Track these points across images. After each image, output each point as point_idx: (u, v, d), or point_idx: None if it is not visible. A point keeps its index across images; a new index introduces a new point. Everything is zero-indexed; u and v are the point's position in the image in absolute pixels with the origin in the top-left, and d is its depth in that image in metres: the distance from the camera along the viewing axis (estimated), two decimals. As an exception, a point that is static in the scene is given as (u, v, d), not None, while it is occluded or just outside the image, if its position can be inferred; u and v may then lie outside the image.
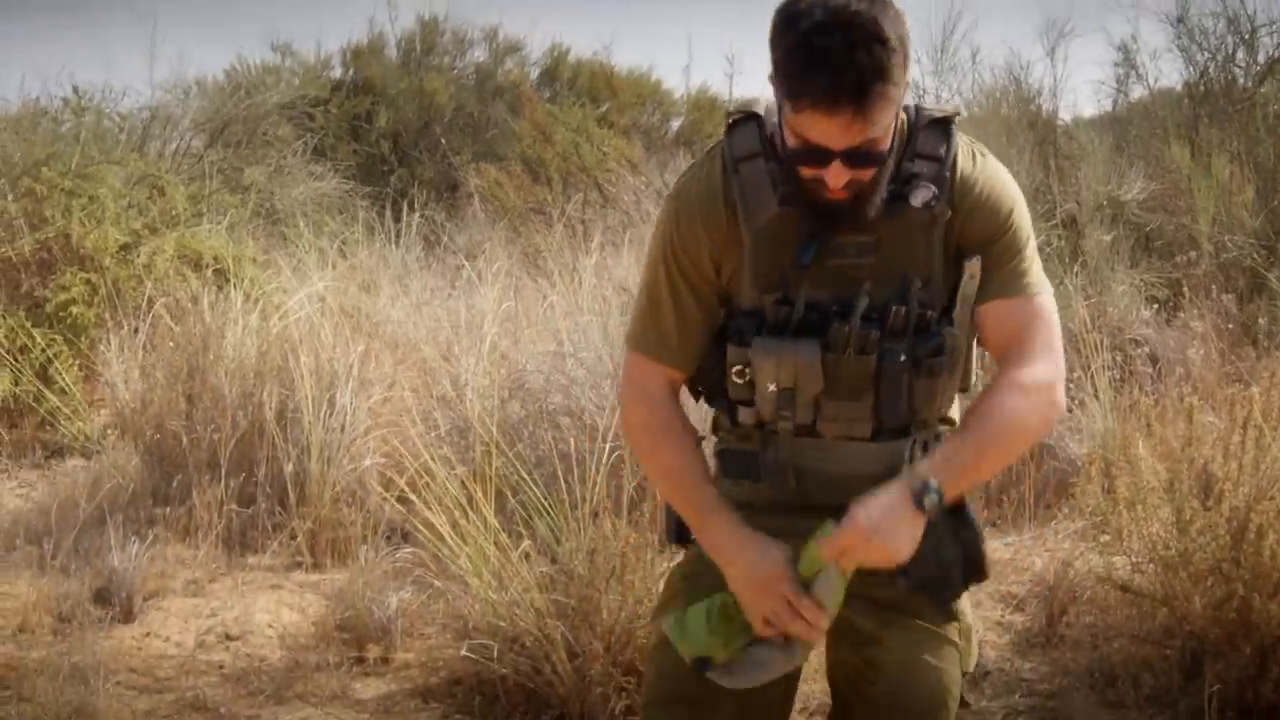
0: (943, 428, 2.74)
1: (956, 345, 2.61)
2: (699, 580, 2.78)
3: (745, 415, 2.71)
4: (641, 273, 2.85)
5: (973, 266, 2.59)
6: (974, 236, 2.60)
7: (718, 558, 2.68)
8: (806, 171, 2.48)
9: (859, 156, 2.42)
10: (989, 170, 2.64)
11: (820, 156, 2.43)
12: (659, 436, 2.79)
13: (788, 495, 2.69)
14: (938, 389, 2.61)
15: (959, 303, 2.61)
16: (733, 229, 2.64)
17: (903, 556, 2.48)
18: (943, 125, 2.64)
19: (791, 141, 2.47)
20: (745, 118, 2.68)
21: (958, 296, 2.61)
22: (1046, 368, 2.58)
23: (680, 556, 3.00)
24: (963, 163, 2.62)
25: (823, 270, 2.58)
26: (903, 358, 2.55)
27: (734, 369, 2.66)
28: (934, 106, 2.68)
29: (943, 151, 2.60)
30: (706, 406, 2.86)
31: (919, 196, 2.55)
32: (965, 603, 2.81)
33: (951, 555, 2.65)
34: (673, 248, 2.71)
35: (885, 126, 2.42)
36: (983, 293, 2.61)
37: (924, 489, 2.44)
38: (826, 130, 2.39)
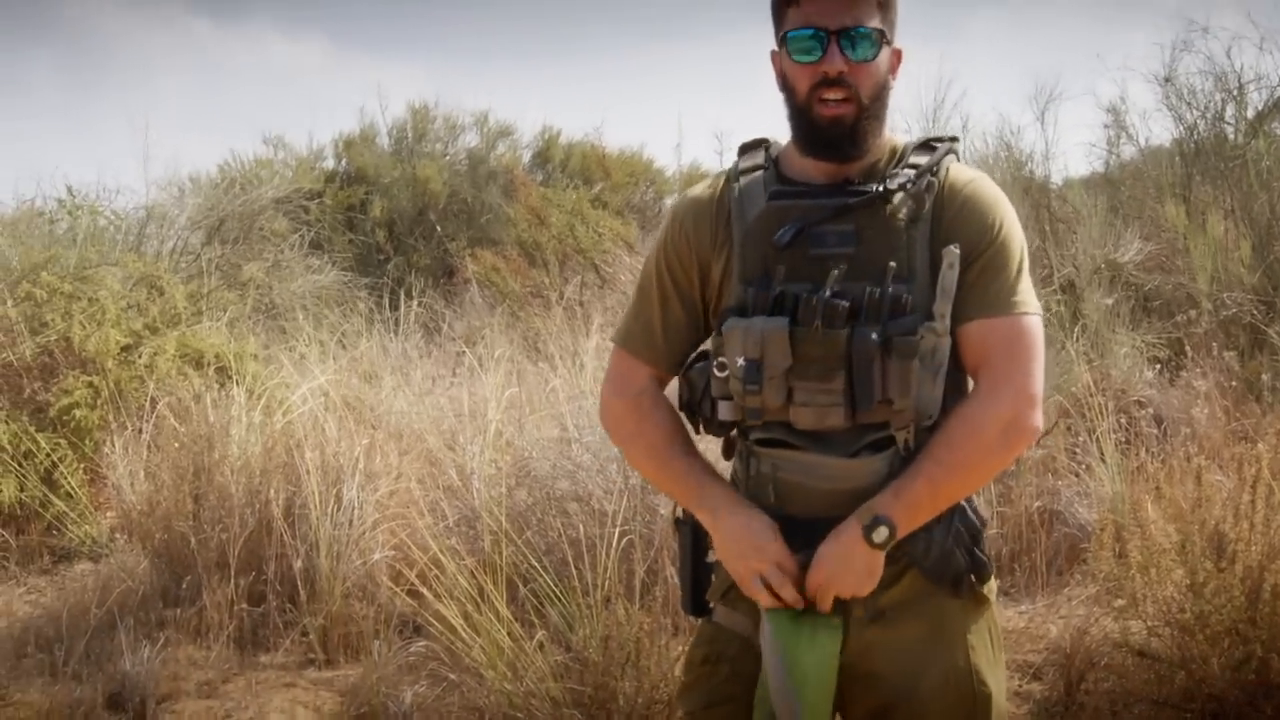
0: None
1: (938, 345, 2.61)
2: (717, 665, 2.82)
3: (724, 410, 2.73)
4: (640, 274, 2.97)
5: (950, 256, 2.59)
6: (961, 238, 2.63)
7: (708, 526, 2.78)
8: (804, 76, 2.65)
9: (853, 40, 2.61)
10: (982, 183, 2.72)
11: (819, 41, 2.61)
12: (640, 421, 2.90)
13: (769, 508, 2.71)
14: (912, 376, 2.58)
15: (939, 295, 2.60)
16: (724, 231, 2.76)
17: (865, 590, 2.63)
18: (931, 144, 2.75)
19: (790, 65, 2.67)
20: (755, 142, 2.84)
21: (938, 289, 2.61)
22: (1013, 396, 2.61)
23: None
24: (954, 172, 2.71)
25: (804, 259, 2.64)
26: (873, 336, 2.55)
27: (715, 363, 2.71)
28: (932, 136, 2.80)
29: (928, 160, 2.70)
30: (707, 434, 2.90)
31: (897, 180, 2.63)
32: (1001, 687, 2.80)
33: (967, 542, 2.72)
34: (665, 248, 2.85)
35: (875, 17, 2.62)
36: (968, 310, 2.63)
37: (874, 524, 2.57)
38: (821, 5, 2.59)
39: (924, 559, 2.66)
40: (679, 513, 2.91)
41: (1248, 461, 4.83)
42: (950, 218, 2.65)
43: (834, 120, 2.63)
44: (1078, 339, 8.28)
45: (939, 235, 2.63)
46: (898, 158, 2.72)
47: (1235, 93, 10.94)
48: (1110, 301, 9.10)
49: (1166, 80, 11.06)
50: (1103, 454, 6.45)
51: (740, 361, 2.62)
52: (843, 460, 2.64)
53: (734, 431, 2.80)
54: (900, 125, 11.57)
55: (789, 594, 2.65)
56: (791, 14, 2.64)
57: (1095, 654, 5.20)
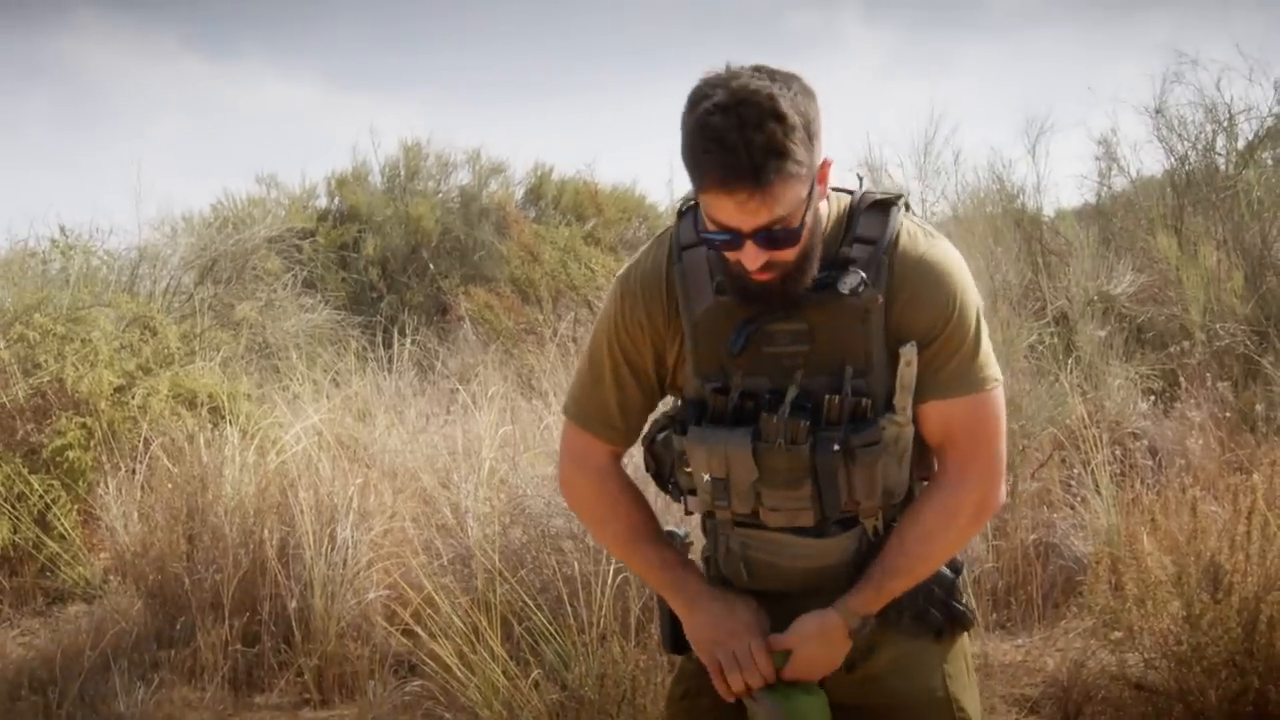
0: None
1: (901, 434, 2.59)
2: (698, 699, 2.82)
3: (693, 504, 2.73)
4: (588, 343, 2.84)
5: (908, 353, 2.54)
6: (916, 323, 2.56)
7: (681, 613, 2.75)
8: (726, 254, 2.48)
9: (770, 237, 2.41)
10: (934, 253, 2.60)
11: (732, 239, 2.43)
12: (611, 507, 2.84)
13: (742, 585, 2.72)
14: (877, 477, 2.58)
15: (899, 388, 2.57)
16: (675, 318, 2.66)
17: (836, 666, 2.65)
18: (884, 208, 2.61)
19: (707, 225, 2.47)
20: (696, 205, 2.62)
21: (897, 383, 2.57)
22: (981, 479, 2.62)
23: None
24: (904, 244, 2.58)
25: (759, 358, 2.58)
26: (836, 447, 2.52)
27: (680, 457, 2.68)
28: (879, 190, 2.66)
29: (880, 234, 2.57)
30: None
31: (847, 283, 2.51)
32: (977, 710, 2.80)
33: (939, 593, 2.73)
34: (616, 329, 2.73)
35: (792, 204, 2.40)
36: (926, 390, 2.59)
37: (861, 626, 2.61)
38: (731, 212, 2.39)
39: (897, 622, 2.68)
40: None
41: (1243, 492, 4.83)
42: (904, 301, 2.56)
43: (764, 286, 2.50)
44: (1071, 371, 8.28)
45: (893, 321, 2.56)
46: (844, 227, 2.60)
47: (1225, 123, 10.96)
48: (1103, 333, 9.11)
49: (1157, 112, 11.08)
50: (1098, 486, 6.45)
51: (706, 478, 2.62)
52: (813, 540, 2.64)
53: None
54: (892, 159, 11.60)
55: (756, 683, 2.66)
56: (700, 194, 2.45)
57: (1092, 687, 5.19)
